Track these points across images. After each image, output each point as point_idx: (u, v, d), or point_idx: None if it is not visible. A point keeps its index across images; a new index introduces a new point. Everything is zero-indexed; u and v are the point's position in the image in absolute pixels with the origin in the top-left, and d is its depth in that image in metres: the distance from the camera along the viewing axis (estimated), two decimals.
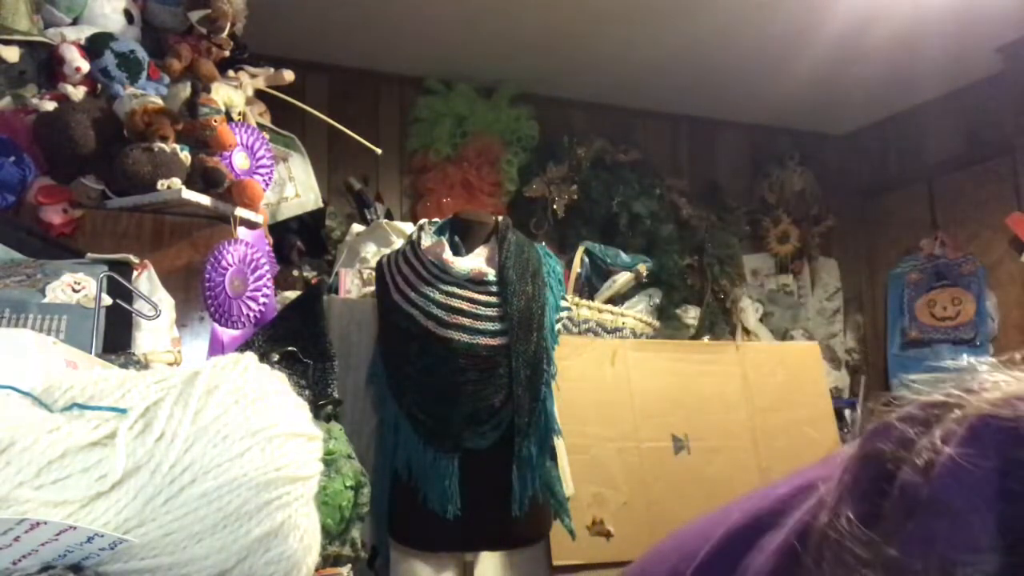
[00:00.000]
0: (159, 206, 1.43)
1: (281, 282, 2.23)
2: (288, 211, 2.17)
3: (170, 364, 1.14)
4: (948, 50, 2.79)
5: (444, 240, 1.76)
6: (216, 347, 1.50)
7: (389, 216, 2.74)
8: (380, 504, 1.71)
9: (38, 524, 0.41)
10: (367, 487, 1.51)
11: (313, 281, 2.24)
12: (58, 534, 0.42)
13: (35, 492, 0.43)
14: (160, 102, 1.48)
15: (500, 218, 1.92)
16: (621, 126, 3.37)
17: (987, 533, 0.29)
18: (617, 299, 2.65)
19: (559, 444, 1.85)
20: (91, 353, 1.02)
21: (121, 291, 1.17)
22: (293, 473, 0.50)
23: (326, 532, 0.56)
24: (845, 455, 0.37)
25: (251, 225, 1.58)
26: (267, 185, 1.71)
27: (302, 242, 2.45)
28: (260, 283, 1.53)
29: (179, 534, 0.45)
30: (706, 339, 2.98)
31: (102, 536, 0.43)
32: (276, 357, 1.47)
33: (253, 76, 1.83)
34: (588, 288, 2.66)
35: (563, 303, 1.84)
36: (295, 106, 1.98)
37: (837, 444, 2.71)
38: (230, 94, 1.71)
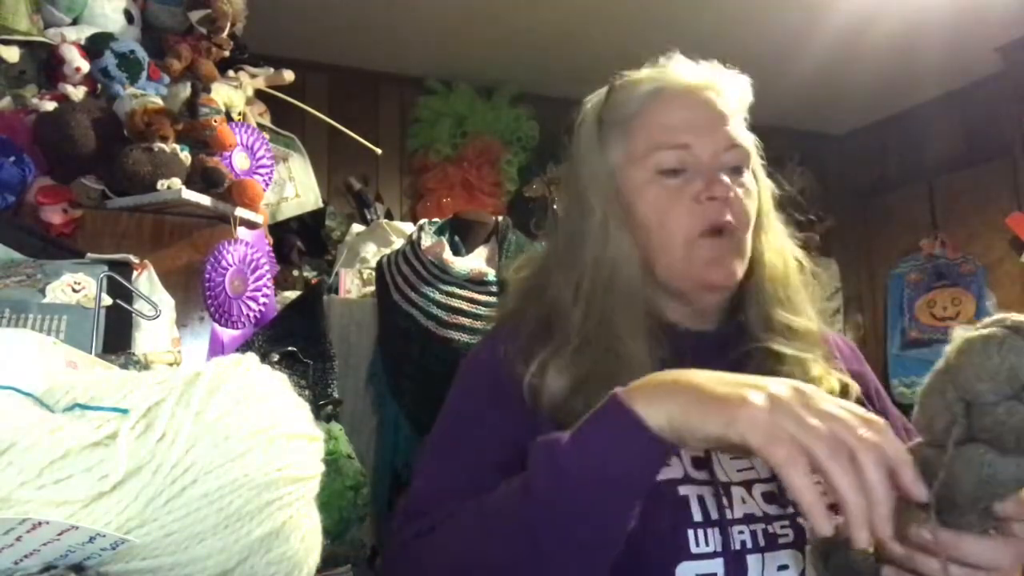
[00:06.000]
0: (159, 206, 1.43)
1: (281, 282, 2.22)
2: (288, 211, 2.16)
3: (170, 364, 1.14)
4: (948, 50, 2.79)
5: (444, 240, 1.76)
6: (216, 347, 1.50)
7: (389, 216, 2.74)
8: (380, 504, 1.71)
9: (40, 524, 0.41)
10: (367, 487, 1.51)
11: (313, 281, 2.24)
12: (60, 534, 0.42)
13: (37, 492, 0.43)
14: (160, 102, 1.48)
15: (500, 218, 1.92)
16: None
17: None
18: None
19: None
20: (91, 353, 1.02)
21: (121, 291, 1.17)
22: (294, 474, 0.50)
23: (326, 532, 0.56)
24: None
25: (251, 225, 1.58)
26: (267, 185, 1.71)
27: (302, 242, 2.45)
28: (260, 283, 1.53)
29: (181, 534, 0.46)
30: None
31: (104, 536, 0.43)
32: (276, 357, 1.47)
33: (253, 76, 1.83)
34: None
35: None
36: (295, 106, 1.98)
37: None
38: (230, 94, 1.71)
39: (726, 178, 0.87)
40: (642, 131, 0.91)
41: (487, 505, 0.71)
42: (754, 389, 0.58)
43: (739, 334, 0.90)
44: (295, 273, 2.41)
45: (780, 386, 0.58)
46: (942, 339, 3.19)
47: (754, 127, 0.98)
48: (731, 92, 0.93)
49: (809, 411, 0.56)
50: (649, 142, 0.90)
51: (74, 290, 1.12)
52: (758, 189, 0.94)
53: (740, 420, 0.56)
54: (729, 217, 0.86)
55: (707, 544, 0.75)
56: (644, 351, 0.82)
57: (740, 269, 0.88)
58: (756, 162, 0.96)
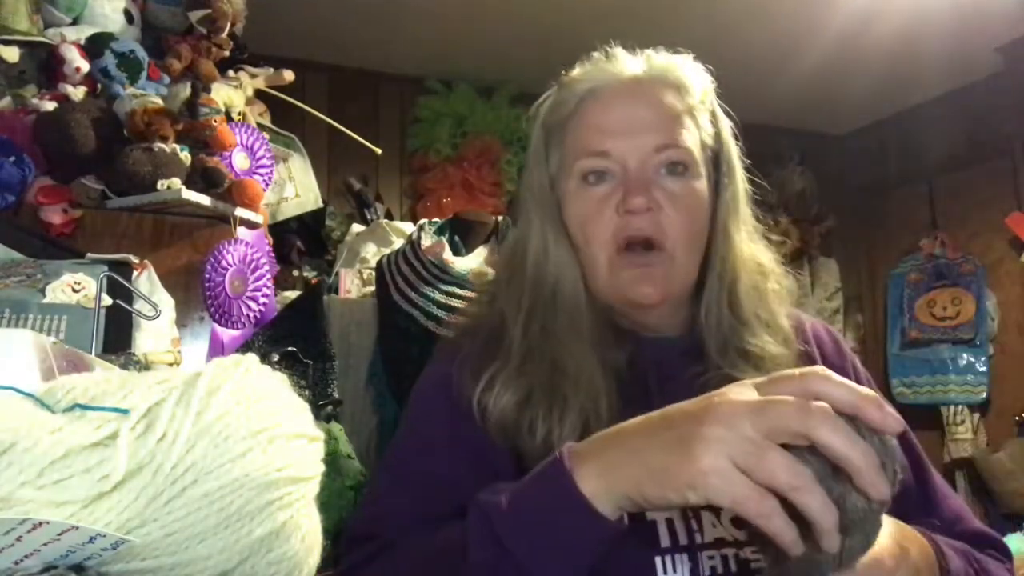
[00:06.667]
0: (159, 206, 1.43)
1: (281, 282, 2.22)
2: (288, 211, 2.16)
3: (170, 364, 1.14)
4: (948, 50, 2.79)
5: (444, 240, 1.76)
6: (216, 347, 1.50)
7: (389, 216, 2.74)
8: None
9: (40, 524, 0.41)
10: (367, 487, 1.51)
11: (313, 281, 2.24)
12: (60, 534, 0.42)
13: (37, 492, 0.43)
14: (160, 102, 1.48)
15: (500, 218, 1.92)
16: None
17: None
18: None
19: None
20: (91, 353, 1.02)
21: (121, 291, 1.17)
22: (295, 474, 0.50)
23: (326, 532, 0.56)
24: None
25: (251, 225, 1.58)
26: (267, 185, 1.71)
27: (302, 242, 2.45)
28: (260, 283, 1.53)
29: (181, 534, 0.46)
30: None
31: (104, 536, 0.43)
32: (276, 357, 1.47)
33: (253, 76, 1.83)
34: None
35: None
36: (295, 106, 1.98)
37: None
38: (230, 94, 1.71)
39: (654, 186, 0.81)
40: (573, 135, 0.85)
41: (428, 554, 0.68)
42: (705, 429, 0.52)
43: (702, 346, 0.85)
44: (295, 273, 2.41)
45: (725, 418, 0.52)
46: (942, 339, 3.20)
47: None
48: (683, 83, 0.85)
49: (757, 446, 0.50)
50: (575, 148, 0.84)
51: (74, 290, 1.12)
52: (720, 189, 0.87)
53: (697, 484, 0.51)
54: (650, 231, 0.80)
55: (675, 571, 0.73)
56: (593, 362, 0.78)
57: (670, 285, 0.82)
58: (732, 155, 0.89)
